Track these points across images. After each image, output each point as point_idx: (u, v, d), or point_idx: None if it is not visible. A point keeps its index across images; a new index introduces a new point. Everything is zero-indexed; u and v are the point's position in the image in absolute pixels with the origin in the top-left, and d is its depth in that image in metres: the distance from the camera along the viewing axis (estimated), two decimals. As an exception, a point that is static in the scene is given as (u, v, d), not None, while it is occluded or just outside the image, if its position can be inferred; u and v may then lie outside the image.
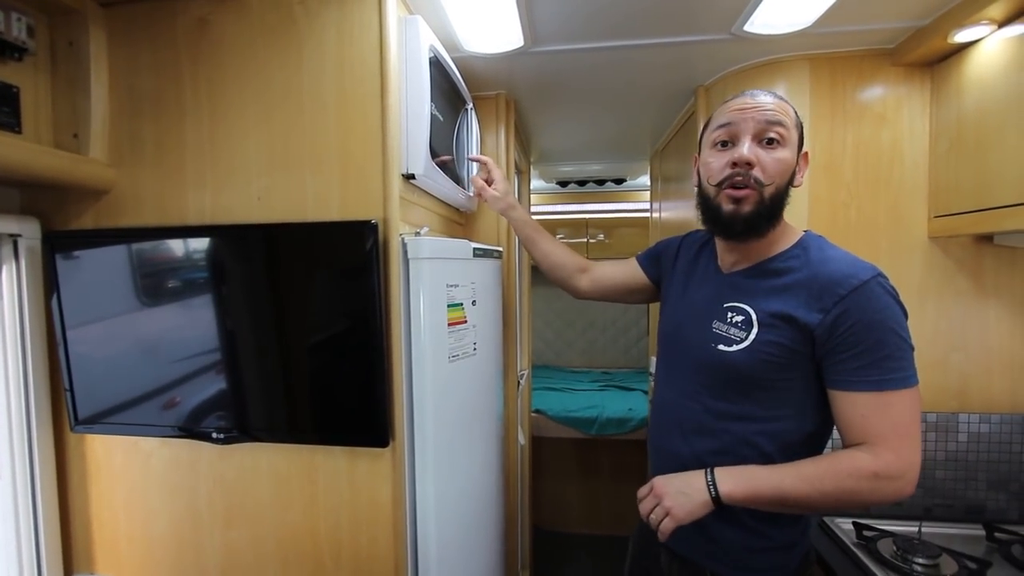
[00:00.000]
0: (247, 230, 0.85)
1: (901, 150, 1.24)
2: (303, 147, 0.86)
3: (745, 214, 0.75)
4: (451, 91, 1.15)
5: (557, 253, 1.20)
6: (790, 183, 0.76)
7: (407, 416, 0.86)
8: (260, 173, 0.88)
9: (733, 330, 0.78)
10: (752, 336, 0.76)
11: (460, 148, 1.27)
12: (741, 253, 0.82)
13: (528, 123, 1.86)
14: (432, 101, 0.98)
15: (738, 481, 0.72)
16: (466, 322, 0.97)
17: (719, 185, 0.77)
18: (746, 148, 0.74)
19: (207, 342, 0.84)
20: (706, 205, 0.81)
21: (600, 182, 2.81)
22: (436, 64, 1.00)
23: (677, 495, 0.73)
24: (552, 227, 3.42)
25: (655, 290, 1.10)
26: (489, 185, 1.20)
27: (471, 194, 1.30)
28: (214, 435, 0.86)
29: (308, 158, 0.86)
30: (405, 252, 0.86)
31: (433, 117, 0.98)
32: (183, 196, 0.90)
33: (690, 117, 1.59)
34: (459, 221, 1.41)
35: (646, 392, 2.79)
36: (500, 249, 1.21)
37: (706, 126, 0.84)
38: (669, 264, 1.03)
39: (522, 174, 2.23)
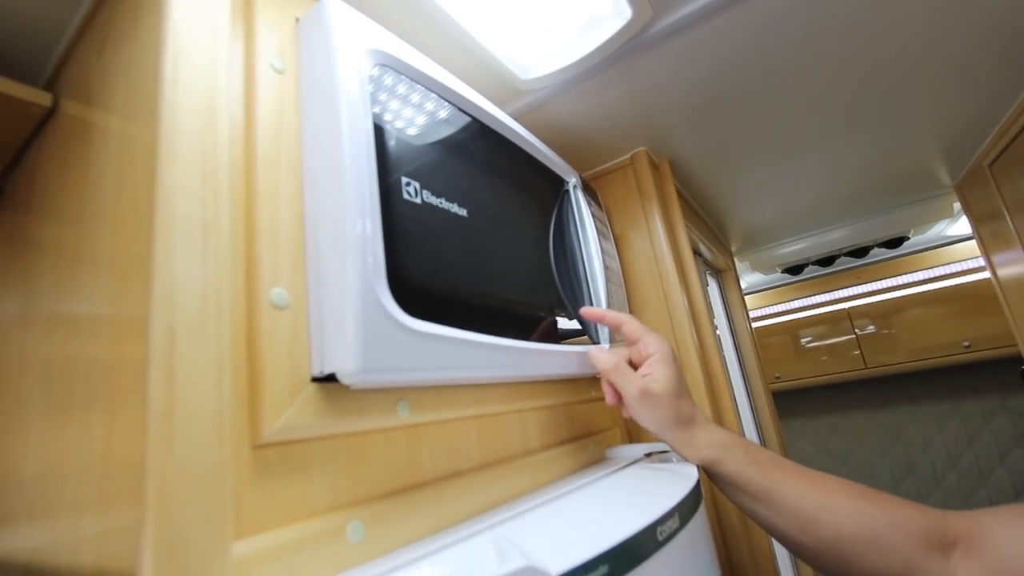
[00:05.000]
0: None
1: None
2: (72, 364, 0.34)
3: None
4: (507, 160, 0.56)
5: (845, 510, 0.42)
6: None
7: None
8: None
9: None
10: None
11: (569, 261, 0.64)
12: None
13: (709, 191, 1.15)
14: (413, 179, 0.40)
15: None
16: None
17: None
18: None
19: None
20: None
21: (859, 252, 1.80)
22: (422, 96, 0.44)
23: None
24: (793, 329, 2.38)
25: None
26: (635, 369, 0.52)
27: (605, 344, 0.63)
28: None
29: (76, 391, 0.33)
30: None
31: (424, 211, 0.39)
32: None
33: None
34: (602, 395, 0.72)
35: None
36: (694, 476, 0.48)
37: None
38: None
39: (722, 274, 1.46)
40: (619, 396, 0.52)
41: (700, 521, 0.47)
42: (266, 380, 0.29)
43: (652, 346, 0.52)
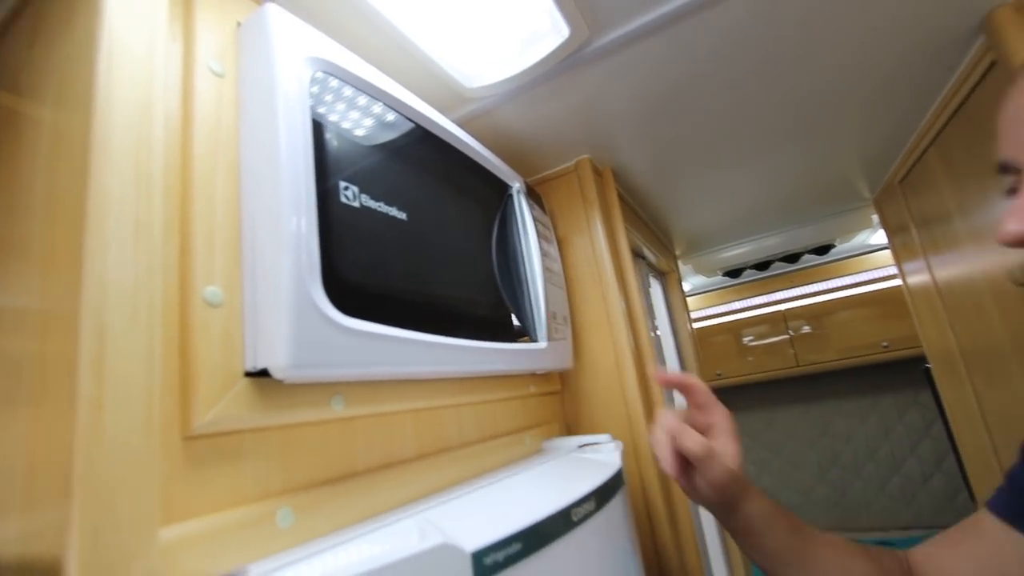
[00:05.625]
0: None
1: None
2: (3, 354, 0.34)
3: None
4: (449, 165, 0.58)
5: (857, 570, 0.47)
6: None
7: None
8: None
9: None
10: None
11: (510, 263, 0.67)
12: None
13: (653, 197, 1.21)
14: (351, 183, 0.42)
15: None
16: None
17: None
18: None
19: None
20: None
21: (792, 257, 1.93)
22: (362, 102, 0.46)
23: None
24: (736, 329, 2.51)
25: None
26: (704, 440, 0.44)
27: (543, 344, 0.66)
28: None
29: (2, 384, 0.33)
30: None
31: (361, 215, 0.41)
32: None
33: (980, 81, 0.77)
34: (542, 391, 0.75)
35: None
36: (616, 464, 0.52)
37: None
38: None
39: (666, 276, 1.53)
40: (680, 461, 0.44)
41: (619, 505, 0.51)
42: (198, 374, 0.31)
43: (719, 416, 0.48)
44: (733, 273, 2.05)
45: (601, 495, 0.45)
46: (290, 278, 0.33)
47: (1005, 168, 0.39)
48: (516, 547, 0.34)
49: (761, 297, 2.42)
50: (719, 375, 2.52)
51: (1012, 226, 0.36)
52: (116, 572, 0.24)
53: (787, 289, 2.34)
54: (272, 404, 0.34)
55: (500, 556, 0.32)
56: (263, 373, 0.34)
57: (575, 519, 0.40)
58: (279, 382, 0.35)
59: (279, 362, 0.32)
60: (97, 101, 0.29)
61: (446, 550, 0.30)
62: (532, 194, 0.76)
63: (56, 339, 0.28)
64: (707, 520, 1.20)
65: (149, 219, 0.29)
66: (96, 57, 0.30)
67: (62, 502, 0.24)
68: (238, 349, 0.33)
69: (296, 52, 0.40)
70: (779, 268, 2.19)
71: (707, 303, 2.57)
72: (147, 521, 0.26)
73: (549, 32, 0.56)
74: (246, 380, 0.33)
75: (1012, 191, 0.39)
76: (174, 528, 0.28)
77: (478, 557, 0.31)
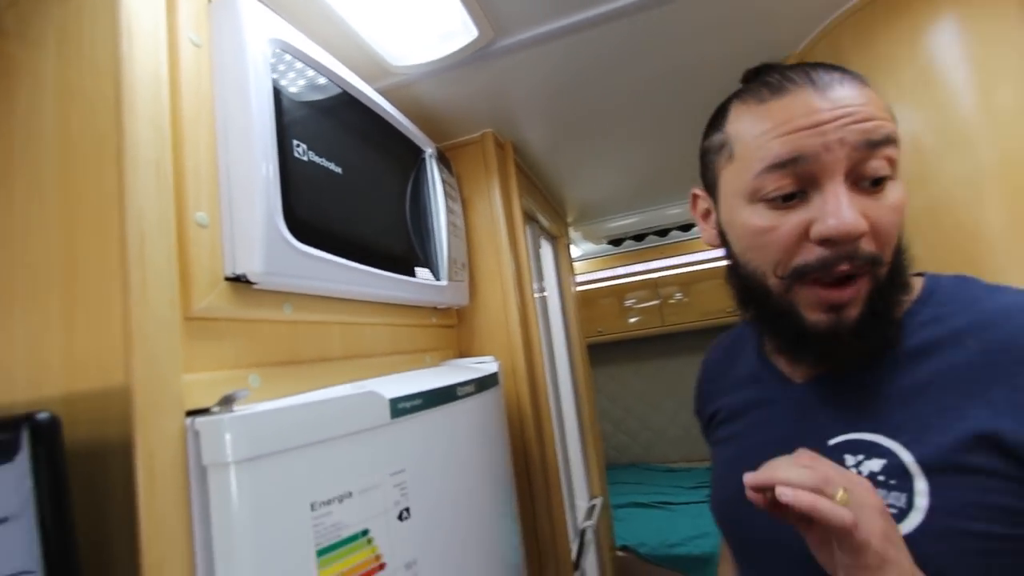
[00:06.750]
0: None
1: None
2: (11, 260, 0.43)
3: (854, 324, 0.40)
4: (376, 130, 0.71)
5: None
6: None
7: None
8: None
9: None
10: (923, 503, 0.36)
11: (421, 215, 0.82)
12: None
13: (549, 170, 1.40)
14: (301, 141, 0.54)
15: None
16: (382, 567, 0.45)
17: (795, 277, 0.42)
18: (844, 206, 0.38)
19: None
20: (763, 307, 0.46)
21: (662, 232, 2.26)
22: (310, 75, 0.57)
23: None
24: (619, 293, 2.87)
25: None
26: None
27: (444, 283, 0.83)
28: None
29: (19, 280, 0.43)
30: (199, 453, 0.38)
31: (309, 167, 0.54)
32: None
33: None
34: (441, 323, 0.92)
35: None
36: (492, 370, 0.71)
37: (722, 146, 0.49)
38: (707, 413, 0.63)
39: (556, 240, 1.75)
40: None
41: (493, 396, 0.71)
42: (194, 274, 0.43)
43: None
44: (616, 242, 2.35)
45: (479, 384, 0.64)
46: (262, 209, 0.46)
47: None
48: (418, 401, 0.51)
49: (640, 265, 2.78)
50: (600, 332, 2.88)
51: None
52: (160, 394, 0.38)
53: (659, 259, 2.71)
54: (243, 303, 0.48)
55: (408, 404, 0.50)
56: (238, 279, 0.47)
57: (459, 394, 0.59)
58: (249, 287, 0.48)
59: (255, 268, 0.45)
60: (123, 69, 0.39)
61: (372, 395, 0.46)
62: (443, 158, 0.91)
63: (89, 246, 0.39)
64: (571, 432, 1.47)
65: (162, 158, 0.41)
66: (118, 30, 0.40)
67: (125, 349, 0.36)
68: (219, 260, 0.46)
69: (261, 32, 0.51)
70: (652, 241, 2.54)
71: (596, 267, 2.89)
72: (175, 366, 0.39)
73: (461, 31, 0.70)
74: (226, 283, 0.46)
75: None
76: (190, 375, 0.41)
77: (394, 402, 0.48)
